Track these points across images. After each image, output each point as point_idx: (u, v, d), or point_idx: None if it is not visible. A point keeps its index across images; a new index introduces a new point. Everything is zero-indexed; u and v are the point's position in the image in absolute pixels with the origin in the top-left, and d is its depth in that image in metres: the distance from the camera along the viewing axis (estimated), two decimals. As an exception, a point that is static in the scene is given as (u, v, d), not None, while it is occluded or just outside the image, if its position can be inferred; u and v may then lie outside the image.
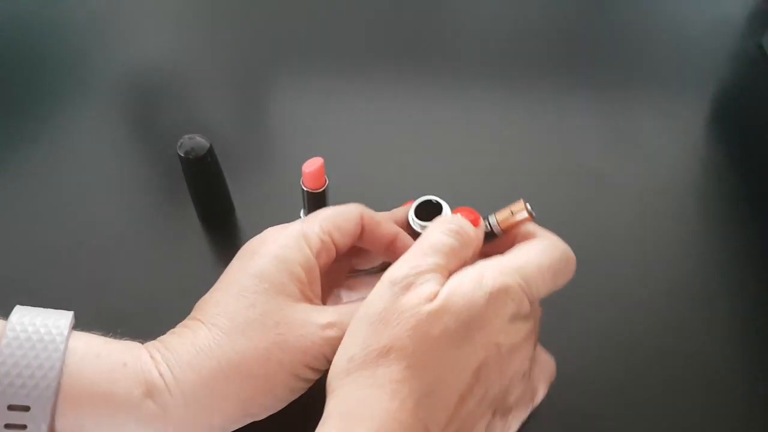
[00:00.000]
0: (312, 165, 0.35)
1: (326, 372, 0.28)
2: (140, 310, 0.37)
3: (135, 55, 0.54)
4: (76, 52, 0.54)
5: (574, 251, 0.40)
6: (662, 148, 0.47)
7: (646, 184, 0.45)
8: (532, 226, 0.30)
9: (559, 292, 0.38)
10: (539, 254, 0.27)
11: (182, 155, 0.36)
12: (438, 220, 0.29)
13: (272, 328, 0.27)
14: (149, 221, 0.42)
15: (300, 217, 0.39)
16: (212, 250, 0.41)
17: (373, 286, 0.32)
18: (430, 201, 0.33)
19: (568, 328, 0.37)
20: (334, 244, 0.30)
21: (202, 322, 0.27)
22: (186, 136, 0.37)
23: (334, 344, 0.27)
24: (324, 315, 0.28)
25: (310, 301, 0.29)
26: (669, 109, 0.49)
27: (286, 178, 0.42)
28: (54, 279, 0.39)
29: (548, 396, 0.30)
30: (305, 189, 0.36)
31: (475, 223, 0.29)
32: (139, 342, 0.28)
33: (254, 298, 0.27)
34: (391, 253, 0.32)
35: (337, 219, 0.30)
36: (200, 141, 0.37)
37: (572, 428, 0.33)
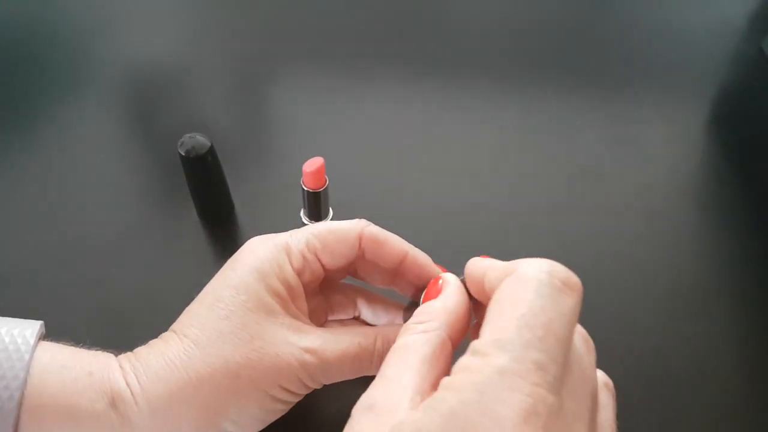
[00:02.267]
0: (312, 165, 0.35)
1: (305, 396, 0.27)
2: (139, 308, 0.37)
3: (136, 52, 0.54)
4: (77, 49, 0.54)
5: (573, 254, 0.41)
6: (662, 150, 0.47)
7: (646, 186, 0.45)
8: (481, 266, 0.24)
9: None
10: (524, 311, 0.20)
11: (183, 154, 0.36)
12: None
13: (247, 343, 0.26)
14: (149, 219, 0.42)
15: (300, 216, 0.39)
16: (212, 248, 0.41)
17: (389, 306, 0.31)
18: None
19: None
20: (322, 264, 0.29)
21: (176, 333, 0.27)
22: (187, 135, 0.37)
23: (311, 371, 0.26)
24: (306, 338, 0.27)
25: (296, 318, 0.28)
26: (669, 111, 0.50)
27: (287, 177, 0.42)
28: (53, 277, 0.39)
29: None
30: (305, 189, 0.36)
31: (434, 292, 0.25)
32: (113, 353, 0.27)
33: (230, 309, 0.26)
34: (400, 275, 0.30)
35: (327, 238, 0.29)
36: (201, 140, 0.37)
37: None
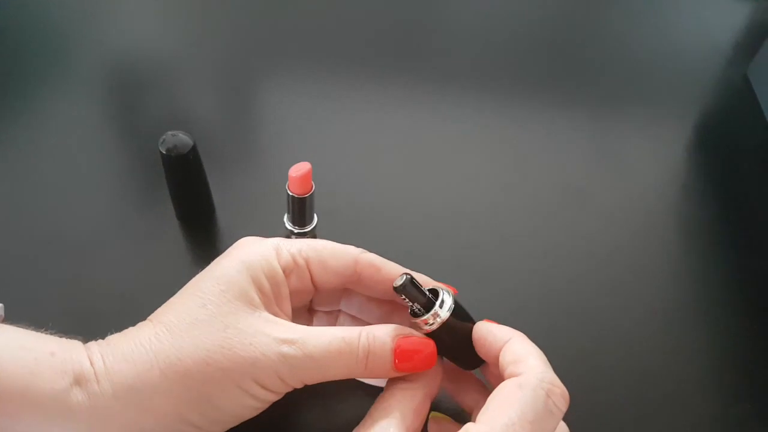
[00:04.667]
0: (299, 170, 0.35)
1: (284, 395, 0.26)
2: (113, 310, 0.36)
3: (119, 44, 0.52)
4: (57, 40, 0.52)
5: (553, 267, 0.41)
6: (645, 171, 0.47)
7: (629, 206, 0.45)
8: (512, 351, 0.27)
9: (539, 312, 0.39)
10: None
11: (164, 152, 0.35)
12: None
13: (219, 331, 0.25)
14: (127, 218, 0.41)
15: (284, 222, 0.38)
16: (190, 250, 0.40)
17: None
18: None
19: (549, 347, 0.37)
20: (311, 275, 0.29)
21: (151, 321, 0.27)
22: (169, 133, 0.36)
23: (292, 364, 0.25)
24: (285, 330, 0.26)
25: (277, 316, 0.27)
26: (653, 133, 0.50)
27: (272, 180, 0.41)
28: (27, 275, 0.37)
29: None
30: (291, 194, 0.36)
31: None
32: (81, 340, 0.26)
33: (207, 299, 0.26)
34: (396, 299, 0.30)
35: (322, 252, 0.29)
36: (183, 138, 0.36)
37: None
